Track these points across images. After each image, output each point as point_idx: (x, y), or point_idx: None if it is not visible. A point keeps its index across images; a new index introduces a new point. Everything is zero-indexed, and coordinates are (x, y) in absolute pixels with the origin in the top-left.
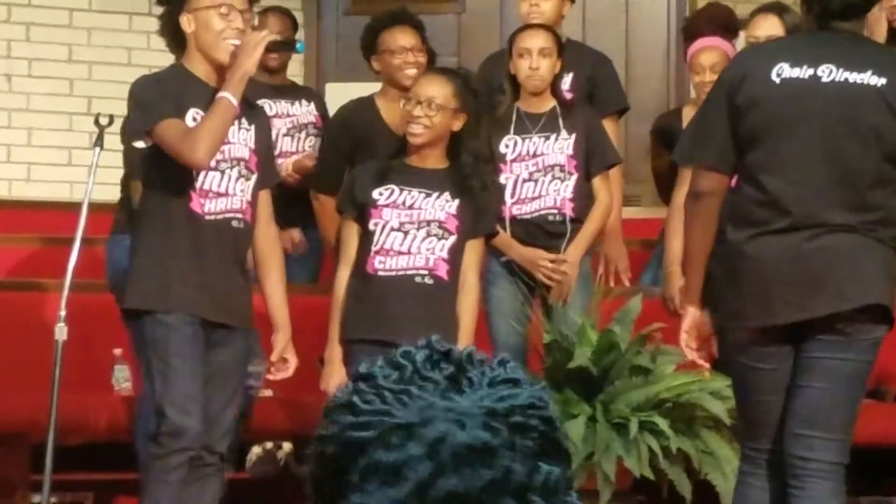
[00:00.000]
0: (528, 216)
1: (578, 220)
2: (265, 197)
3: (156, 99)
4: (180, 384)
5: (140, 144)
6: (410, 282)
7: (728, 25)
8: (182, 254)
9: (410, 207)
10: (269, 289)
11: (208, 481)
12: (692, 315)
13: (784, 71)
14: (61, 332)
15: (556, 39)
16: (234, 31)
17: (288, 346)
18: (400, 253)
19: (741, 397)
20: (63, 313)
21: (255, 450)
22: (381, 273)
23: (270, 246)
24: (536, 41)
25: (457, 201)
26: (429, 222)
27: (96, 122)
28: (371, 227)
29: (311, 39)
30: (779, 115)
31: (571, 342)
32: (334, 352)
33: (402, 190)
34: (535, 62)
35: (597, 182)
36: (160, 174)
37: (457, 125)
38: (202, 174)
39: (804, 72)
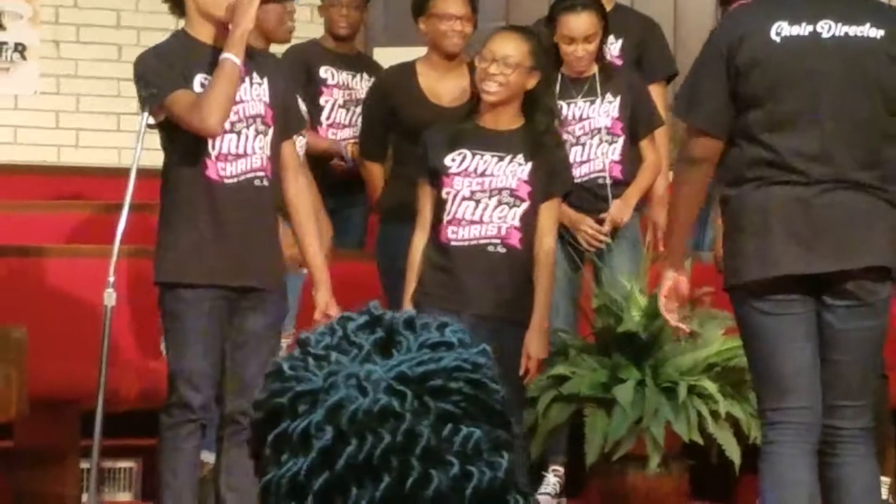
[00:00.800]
0: (578, 180)
1: (627, 184)
2: (290, 148)
3: (160, 73)
4: (192, 360)
5: (153, 120)
6: (483, 251)
7: None
8: (201, 224)
9: (482, 175)
10: (304, 242)
11: (246, 446)
12: (670, 278)
13: (783, 29)
14: (110, 297)
15: (600, 17)
16: None
17: (330, 302)
18: (472, 222)
19: (758, 354)
20: (112, 279)
21: None
22: (453, 243)
23: (302, 197)
24: (581, 27)
25: (529, 165)
26: (500, 190)
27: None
28: (444, 195)
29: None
30: (781, 74)
31: (620, 307)
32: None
33: (474, 155)
34: (580, 50)
35: (644, 144)
36: (175, 146)
37: (531, 83)
38: (218, 139)
39: (804, 29)
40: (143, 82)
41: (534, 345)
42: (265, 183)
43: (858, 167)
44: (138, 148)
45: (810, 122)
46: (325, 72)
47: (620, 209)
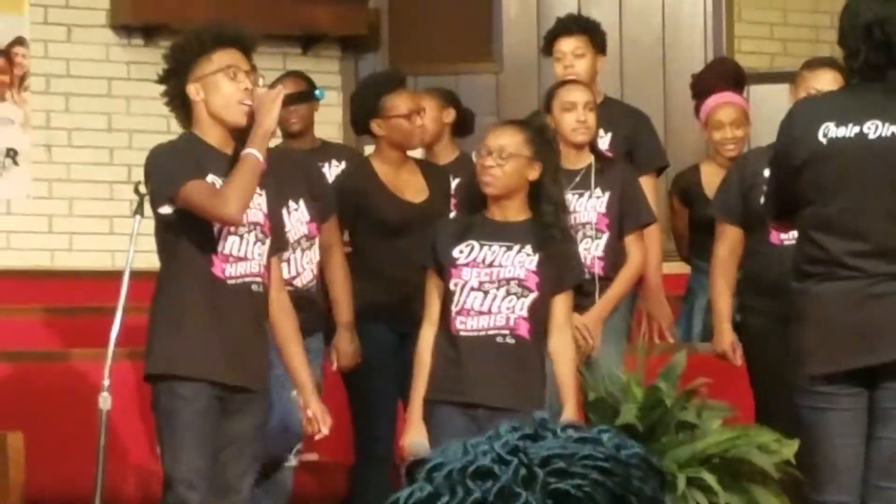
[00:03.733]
0: None
1: (608, 279)
2: (276, 264)
3: (176, 163)
4: (189, 458)
5: (165, 210)
6: (492, 342)
7: (737, 79)
8: (202, 318)
9: (490, 265)
10: (287, 353)
11: None
12: None
13: (830, 130)
14: (105, 401)
15: (593, 93)
16: (244, 91)
17: (317, 406)
18: (480, 313)
19: (808, 445)
20: (107, 383)
21: None
22: (462, 334)
23: (284, 311)
24: (581, 95)
25: (537, 255)
26: (508, 280)
27: (136, 191)
28: (451, 286)
29: (349, 101)
30: (828, 177)
31: (617, 399)
32: (415, 408)
33: (482, 246)
34: (583, 115)
35: (629, 241)
36: (182, 240)
37: (533, 174)
38: (222, 239)
39: (850, 130)
40: (158, 172)
41: None
42: (261, 289)
43: None
44: (131, 250)
45: (859, 222)
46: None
47: (593, 328)
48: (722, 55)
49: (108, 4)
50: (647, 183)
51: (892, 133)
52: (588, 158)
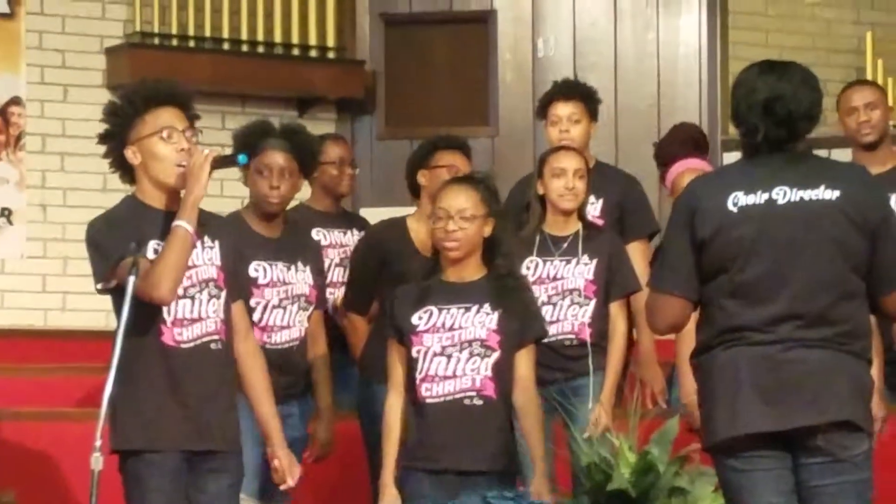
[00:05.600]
0: (547, 340)
1: (597, 345)
2: (239, 309)
3: (112, 241)
4: None
5: (102, 286)
6: (459, 405)
7: (699, 143)
8: (161, 389)
9: (451, 329)
10: (254, 402)
11: None
12: None
13: (739, 199)
14: (97, 461)
15: (586, 163)
16: (180, 153)
17: (284, 456)
18: (445, 377)
19: None
20: (98, 443)
21: None
22: (429, 401)
23: (251, 359)
24: (572, 162)
25: (497, 313)
26: (470, 342)
27: (130, 251)
28: (414, 353)
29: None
30: (741, 243)
31: (609, 464)
32: (387, 474)
33: (440, 310)
34: (571, 182)
35: (614, 308)
36: (130, 313)
37: (487, 230)
38: (173, 305)
39: (759, 197)
40: (93, 250)
41: (545, 492)
42: (220, 346)
43: (823, 325)
44: (125, 310)
45: (773, 287)
46: (316, 234)
47: (601, 416)
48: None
49: (104, 65)
50: (638, 248)
51: (801, 198)
52: (576, 225)
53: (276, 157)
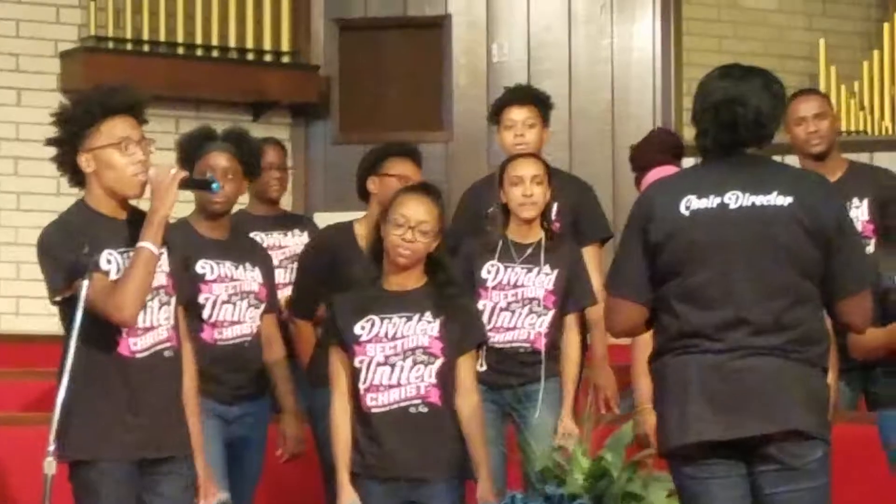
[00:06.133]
0: (502, 345)
1: (550, 353)
2: (182, 314)
3: (64, 248)
4: None
5: (58, 298)
6: (405, 414)
7: (676, 150)
8: (116, 400)
9: (393, 338)
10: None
11: None
12: None
13: (692, 203)
14: (50, 466)
15: (546, 168)
16: (137, 164)
17: (203, 475)
18: (390, 386)
19: None
20: (52, 448)
21: None
22: (374, 410)
23: (187, 367)
24: (529, 169)
25: (438, 321)
26: (413, 350)
27: (84, 255)
28: (357, 363)
29: (300, 169)
30: (692, 247)
31: (563, 469)
32: (342, 474)
33: (382, 319)
34: (529, 189)
35: (569, 320)
36: (84, 324)
37: (435, 244)
38: None
39: (711, 201)
40: (49, 261)
41: (489, 496)
42: (172, 353)
43: (774, 332)
44: (79, 314)
45: (723, 292)
46: (254, 237)
47: (569, 428)
48: (664, 126)
49: (58, 69)
50: (591, 253)
51: (753, 203)
52: (538, 234)
53: (219, 159)
